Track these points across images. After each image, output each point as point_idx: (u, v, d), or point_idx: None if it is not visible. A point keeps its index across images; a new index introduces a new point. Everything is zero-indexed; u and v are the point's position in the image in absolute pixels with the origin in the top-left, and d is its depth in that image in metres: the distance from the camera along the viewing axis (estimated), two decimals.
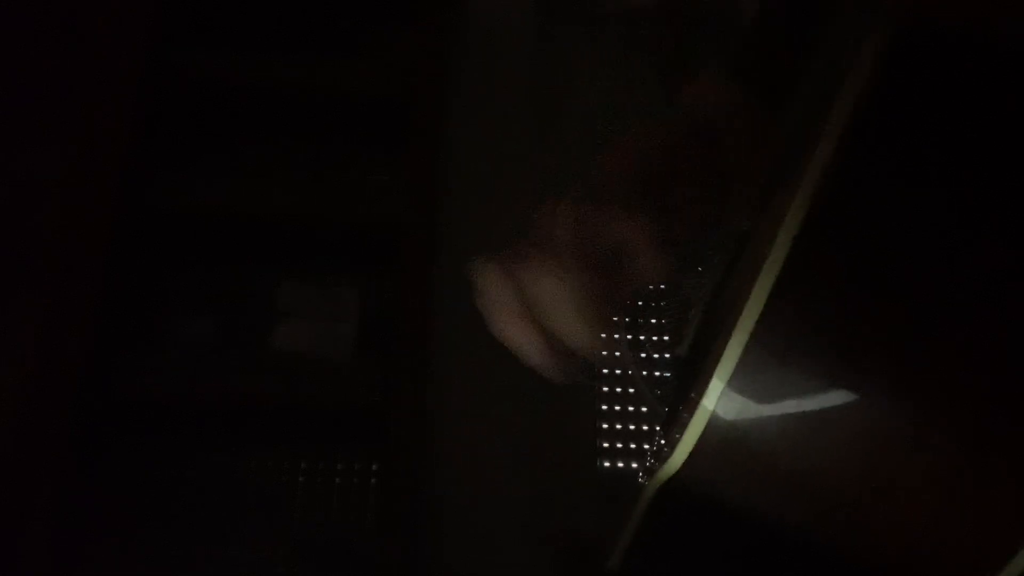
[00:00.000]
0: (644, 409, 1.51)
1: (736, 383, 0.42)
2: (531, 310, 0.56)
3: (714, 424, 0.43)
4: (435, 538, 1.41)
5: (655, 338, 1.51)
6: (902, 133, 0.42)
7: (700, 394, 0.43)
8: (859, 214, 0.42)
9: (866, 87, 0.41)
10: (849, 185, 0.41)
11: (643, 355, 1.43)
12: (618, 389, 1.53)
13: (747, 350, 0.41)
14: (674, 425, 0.48)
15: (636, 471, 1.50)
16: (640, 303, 1.52)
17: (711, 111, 0.63)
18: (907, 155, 0.42)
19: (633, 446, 1.50)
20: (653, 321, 1.53)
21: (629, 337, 1.47)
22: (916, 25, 0.41)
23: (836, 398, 0.42)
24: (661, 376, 1.46)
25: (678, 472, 0.45)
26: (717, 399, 0.42)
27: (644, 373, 1.46)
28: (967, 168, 0.42)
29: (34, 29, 1.51)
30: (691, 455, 0.44)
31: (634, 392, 1.52)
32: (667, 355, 1.49)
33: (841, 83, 0.41)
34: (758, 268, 0.41)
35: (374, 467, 1.46)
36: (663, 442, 0.50)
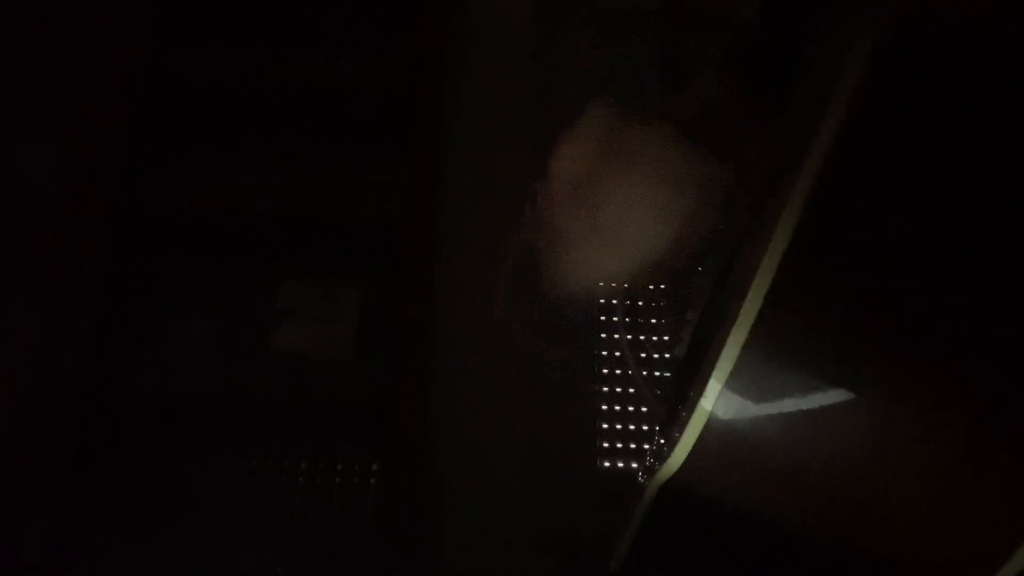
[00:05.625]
0: (644, 409, 1.51)
1: (733, 384, 0.42)
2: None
3: (712, 425, 0.43)
4: (435, 538, 1.41)
5: (655, 338, 1.51)
6: (897, 132, 0.42)
7: (698, 395, 0.43)
8: (854, 217, 0.42)
9: (860, 88, 0.41)
10: (844, 189, 0.41)
11: (643, 355, 1.43)
12: (618, 389, 1.53)
13: (744, 351, 0.41)
14: (673, 425, 0.48)
15: (636, 471, 1.50)
16: (640, 303, 1.52)
17: (709, 111, 0.63)
18: (902, 154, 0.42)
19: (633, 446, 1.50)
20: (653, 321, 1.53)
21: (629, 337, 1.47)
22: (909, 25, 0.41)
23: (833, 398, 0.42)
24: (661, 376, 1.46)
25: (677, 472, 0.45)
26: (715, 400, 0.42)
27: (644, 373, 1.46)
28: (962, 166, 0.42)
29: (34, 29, 1.51)
30: (690, 455, 0.44)
31: (634, 392, 1.52)
32: (667, 355, 1.49)
33: (836, 84, 0.41)
34: (754, 270, 0.41)
35: (374, 467, 1.46)
36: (662, 442, 0.50)
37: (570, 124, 0.60)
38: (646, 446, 1.50)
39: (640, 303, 1.53)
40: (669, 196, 0.57)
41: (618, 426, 1.52)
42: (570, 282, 0.61)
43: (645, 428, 1.51)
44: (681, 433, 0.44)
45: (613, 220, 0.58)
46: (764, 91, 0.62)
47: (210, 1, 1.59)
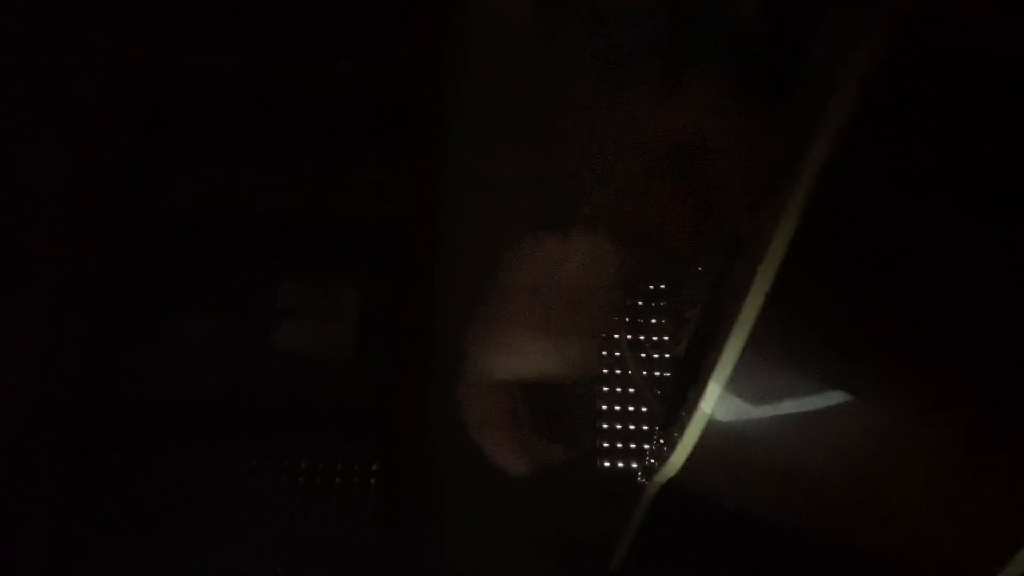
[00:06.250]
0: (644, 409, 1.51)
1: (733, 387, 0.42)
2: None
3: (712, 428, 0.43)
4: (435, 538, 1.41)
5: (655, 338, 1.51)
6: (898, 134, 0.42)
7: (697, 398, 0.43)
8: (854, 218, 0.42)
9: (861, 90, 0.41)
10: (844, 189, 0.41)
11: (643, 355, 1.44)
12: (618, 389, 1.53)
13: (744, 354, 0.41)
14: (673, 426, 0.48)
15: (636, 471, 1.50)
16: (640, 303, 1.52)
17: (708, 112, 0.63)
18: (903, 156, 0.42)
19: (633, 446, 1.50)
20: (653, 321, 1.53)
21: (629, 337, 1.47)
22: (911, 27, 0.41)
23: (833, 400, 0.42)
24: (661, 376, 1.46)
25: (678, 473, 0.45)
26: (715, 403, 0.42)
27: (644, 373, 1.46)
28: (962, 166, 0.42)
29: (34, 29, 1.51)
30: (689, 458, 0.44)
31: (634, 392, 1.52)
32: (667, 355, 1.49)
33: (837, 85, 0.41)
34: (754, 271, 0.41)
35: (374, 467, 1.46)
36: (662, 442, 0.50)
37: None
38: (646, 446, 1.50)
39: (640, 303, 1.53)
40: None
41: (618, 426, 1.52)
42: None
43: (645, 428, 1.51)
44: (681, 434, 0.44)
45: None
46: (764, 91, 0.62)
47: (210, 1, 1.59)
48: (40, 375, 1.34)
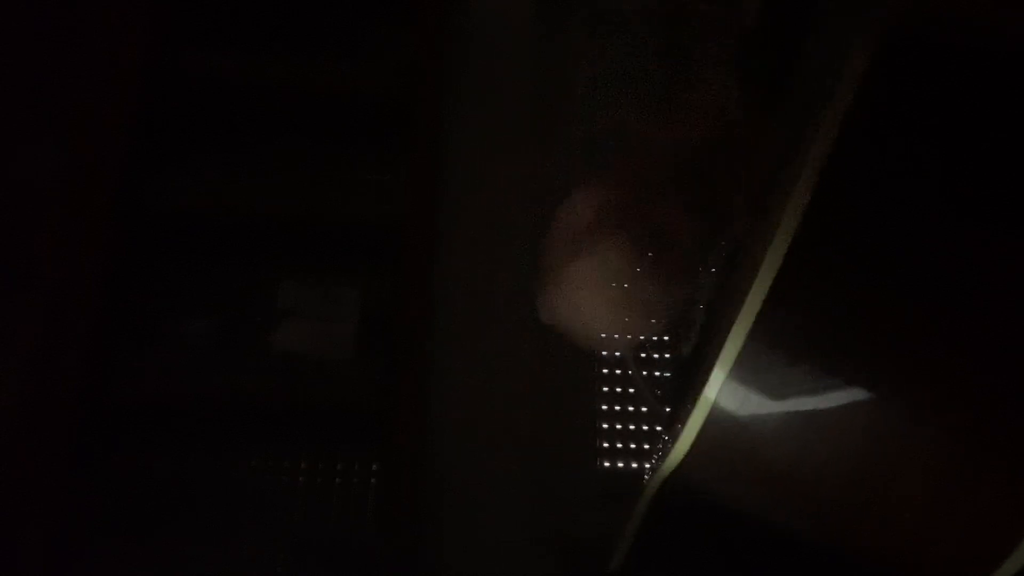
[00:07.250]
0: (644, 409, 1.51)
1: (737, 374, 0.42)
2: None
3: (715, 416, 0.43)
4: (435, 538, 1.41)
5: (655, 338, 1.51)
6: (897, 132, 0.42)
7: (702, 384, 0.43)
8: (854, 217, 0.42)
9: (860, 89, 0.41)
10: (844, 189, 0.41)
11: (643, 355, 1.44)
12: (618, 389, 1.53)
13: (748, 341, 0.41)
14: (677, 420, 0.48)
15: (636, 471, 1.50)
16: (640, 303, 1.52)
17: (708, 111, 0.63)
18: (902, 156, 0.42)
19: (633, 446, 1.50)
20: (653, 321, 1.53)
21: (629, 337, 1.47)
22: (909, 25, 0.41)
23: (833, 400, 0.42)
24: (661, 376, 1.46)
25: (680, 465, 0.45)
26: (719, 389, 0.43)
27: (644, 373, 1.46)
28: (961, 166, 0.42)
29: (34, 29, 1.51)
30: (692, 447, 0.44)
31: (634, 392, 1.52)
32: (667, 355, 1.49)
33: (835, 85, 0.41)
34: (759, 262, 0.41)
35: (374, 467, 1.46)
36: (666, 437, 0.51)
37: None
38: (646, 446, 1.50)
39: (640, 303, 1.52)
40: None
41: (618, 426, 1.52)
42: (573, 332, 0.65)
43: (645, 428, 1.51)
44: (684, 424, 0.44)
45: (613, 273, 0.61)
46: (765, 91, 0.62)
47: (210, 1, 1.59)
48: (40, 375, 1.34)
